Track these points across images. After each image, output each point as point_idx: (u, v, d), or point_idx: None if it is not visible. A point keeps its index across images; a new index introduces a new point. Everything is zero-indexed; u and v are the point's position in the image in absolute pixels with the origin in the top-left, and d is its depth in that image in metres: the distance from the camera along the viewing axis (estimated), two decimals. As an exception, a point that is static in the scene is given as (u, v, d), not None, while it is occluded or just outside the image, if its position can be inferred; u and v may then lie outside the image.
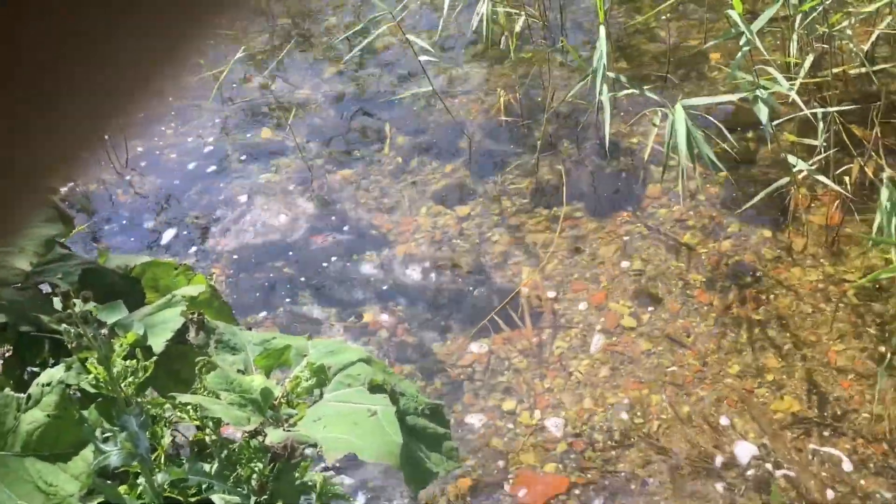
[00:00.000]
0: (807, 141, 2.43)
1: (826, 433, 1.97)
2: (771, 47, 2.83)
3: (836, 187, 2.23)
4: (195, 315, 1.39)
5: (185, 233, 2.74)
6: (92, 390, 1.20)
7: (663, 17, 3.19)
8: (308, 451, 1.35)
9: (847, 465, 1.90)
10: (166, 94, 0.24)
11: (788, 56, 2.57)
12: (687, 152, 2.17)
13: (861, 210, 2.36)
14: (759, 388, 2.07)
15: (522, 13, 3.03)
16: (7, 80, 0.21)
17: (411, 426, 1.37)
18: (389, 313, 2.39)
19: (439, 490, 1.96)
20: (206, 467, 1.26)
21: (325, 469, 1.90)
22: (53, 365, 1.30)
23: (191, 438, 1.48)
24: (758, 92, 2.14)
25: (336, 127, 3.07)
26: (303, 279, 2.53)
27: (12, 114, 0.22)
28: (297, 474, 1.32)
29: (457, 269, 2.48)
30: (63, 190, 2.85)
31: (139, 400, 1.22)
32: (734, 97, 2.40)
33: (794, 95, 2.19)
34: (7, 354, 1.44)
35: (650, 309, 2.29)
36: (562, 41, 3.12)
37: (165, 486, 1.24)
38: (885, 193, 1.97)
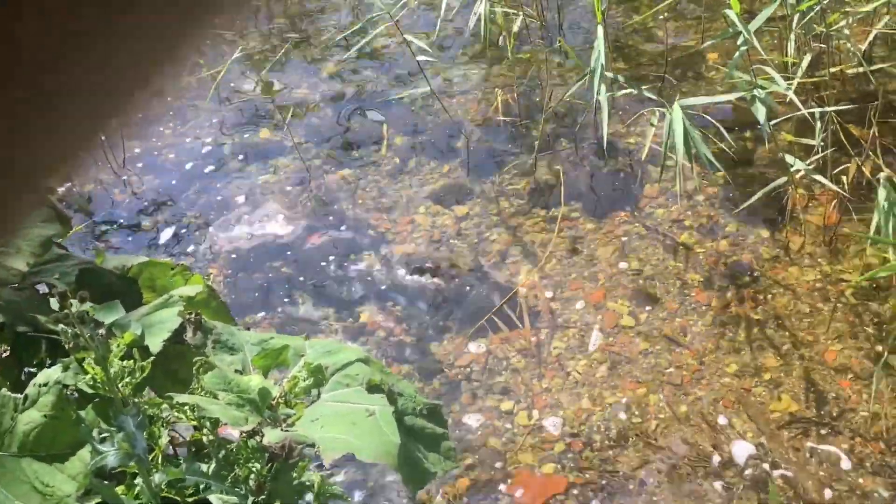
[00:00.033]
0: (804, 140, 2.43)
1: (824, 432, 1.97)
2: (768, 47, 2.84)
3: (834, 187, 2.23)
4: (192, 315, 1.39)
5: (182, 233, 2.74)
6: (89, 391, 1.20)
7: (661, 17, 3.19)
8: (306, 450, 1.35)
9: (845, 464, 1.90)
10: (165, 94, 0.24)
11: (786, 56, 2.58)
12: (685, 152, 2.17)
13: (858, 209, 2.36)
14: (757, 387, 2.08)
15: (520, 13, 3.03)
16: (6, 80, 0.21)
17: (409, 426, 1.37)
18: (387, 313, 2.39)
19: (437, 490, 1.96)
20: (204, 467, 1.26)
21: (320, 467, 1.90)
22: (51, 365, 1.30)
23: (188, 438, 1.48)
24: (755, 91, 2.14)
25: (334, 127, 3.06)
26: (300, 279, 2.53)
27: (11, 114, 0.22)
28: (294, 474, 1.31)
29: (455, 268, 2.48)
30: (60, 190, 2.85)
31: (136, 400, 1.22)
32: (732, 97, 2.40)
33: (791, 95, 2.19)
34: (4, 355, 1.44)
35: (648, 308, 2.29)
36: (559, 41, 3.12)
37: (163, 487, 1.24)
38: (882, 194, 1.97)
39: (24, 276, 1.40)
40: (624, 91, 2.52)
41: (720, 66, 2.94)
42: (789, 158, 2.22)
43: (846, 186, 2.29)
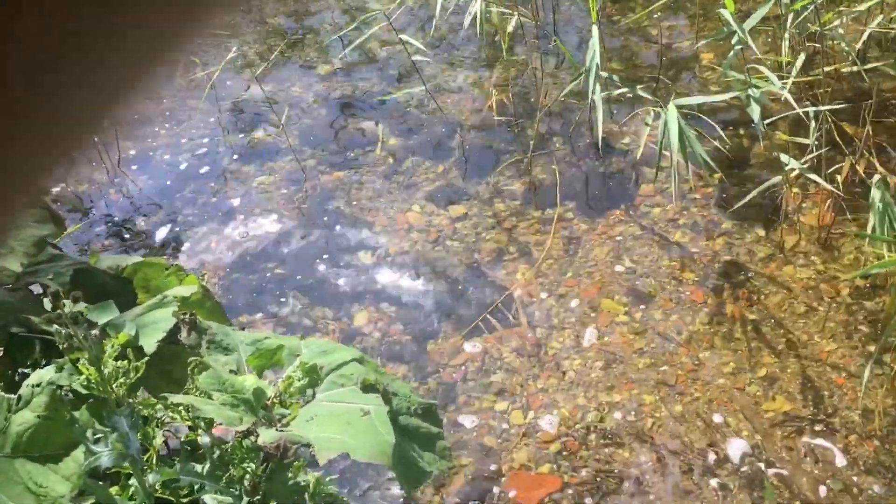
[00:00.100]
0: (799, 139, 2.44)
1: (818, 430, 1.97)
2: (763, 46, 2.84)
3: (828, 186, 2.24)
4: (187, 315, 1.39)
5: (177, 233, 2.74)
6: (83, 391, 1.20)
7: (655, 16, 3.19)
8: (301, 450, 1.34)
9: (839, 462, 1.91)
10: (160, 94, 0.24)
11: (780, 55, 2.58)
12: (679, 151, 2.18)
13: (853, 208, 2.36)
14: (752, 385, 2.08)
15: (515, 13, 3.03)
16: (5, 80, 0.21)
17: (404, 426, 1.37)
18: (382, 313, 2.39)
19: (433, 490, 1.96)
20: (199, 468, 1.25)
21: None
22: (44, 366, 1.29)
23: (183, 439, 1.48)
24: (750, 91, 2.14)
25: (328, 127, 3.06)
26: (295, 279, 2.53)
27: (10, 114, 0.22)
28: (289, 474, 1.31)
29: (450, 268, 2.48)
30: (55, 190, 2.84)
31: (131, 401, 1.22)
32: (726, 96, 2.40)
33: (786, 94, 2.20)
34: (-2, 355, 1.44)
35: (643, 307, 2.29)
36: (555, 40, 3.12)
37: (157, 487, 1.23)
38: (876, 194, 1.97)
39: (18, 276, 1.40)
40: (619, 91, 2.53)
41: (715, 66, 2.94)
42: (783, 157, 2.22)
43: (840, 185, 2.30)
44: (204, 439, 1.27)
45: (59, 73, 0.21)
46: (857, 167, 2.42)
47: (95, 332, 1.14)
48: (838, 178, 2.32)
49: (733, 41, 2.17)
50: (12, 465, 1.13)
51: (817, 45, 2.60)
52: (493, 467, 1.99)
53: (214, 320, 1.49)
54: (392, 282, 2.48)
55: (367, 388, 1.33)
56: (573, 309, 2.31)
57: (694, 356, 2.16)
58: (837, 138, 2.47)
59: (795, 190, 2.47)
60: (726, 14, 2.17)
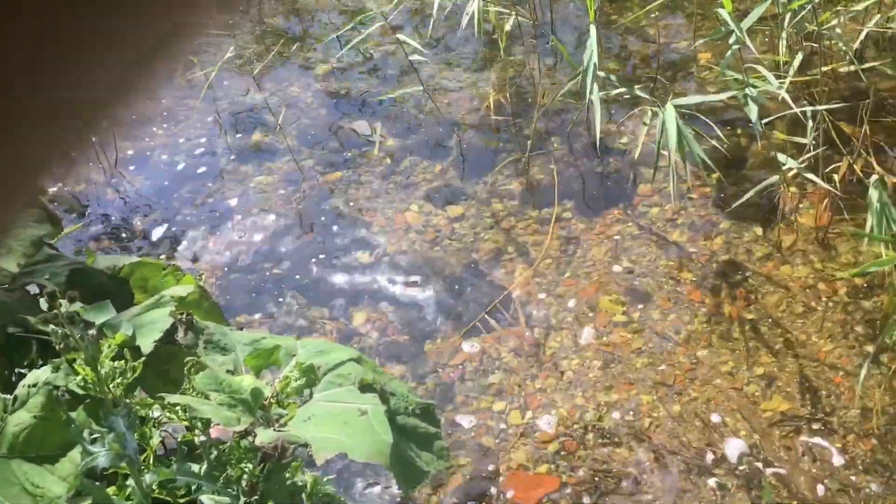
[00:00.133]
0: (796, 139, 2.44)
1: (816, 429, 1.97)
2: (761, 46, 2.84)
3: (826, 185, 2.24)
4: (184, 315, 1.38)
5: (174, 233, 2.73)
6: (80, 391, 1.20)
7: (653, 16, 3.19)
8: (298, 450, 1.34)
9: (837, 461, 1.91)
10: (158, 94, 0.24)
11: (778, 55, 2.58)
12: (677, 151, 2.17)
13: (850, 208, 2.36)
14: (749, 385, 2.08)
15: (513, 12, 3.03)
16: (4, 80, 0.21)
17: (402, 425, 1.37)
18: (380, 313, 2.39)
19: (430, 490, 1.96)
20: (196, 468, 1.25)
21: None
22: (41, 366, 1.29)
23: (180, 439, 1.48)
24: (747, 90, 2.14)
25: (326, 127, 3.06)
26: (293, 279, 2.52)
27: (9, 114, 0.21)
28: (287, 474, 1.31)
29: (448, 268, 2.48)
30: (52, 190, 2.84)
31: (127, 401, 1.21)
32: (724, 96, 2.40)
33: (783, 94, 2.20)
34: (-6, 356, 1.43)
35: (641, 307, 2.29)
36: (552, 40, 3.12)
37: (154, 487, 1.23)
38: (874, 194, 1.97)
39: (15, 276, 1.40)
40: (616, 90, 2.53)
41: (713, 65, 2.94)
42: (781, 157, 2.23)
43: (837, 185, 2.30)
44: (201, 439, 1.27)
45: (58, 73, 0.21)
46: (855, 167, 2.42)
47: (92, 332, 1.13)
48: (836, 177, 2.32)
49: (731, 41, 2.17)
50: (9, 465, 1.13)
51: (815, 44, 2.61)
52: (490, 467, 1.99)
53: (212, 320, 1.49)
54: (390, 281, 2.48)
55: (365, 387, 1.32)
56: (571, 309, 2.31)
57: (692, 356, 2.16)
58: (835, 138, 2.47)
59: (793, 189, 2.47)
60: (724, 13, 2.17)
